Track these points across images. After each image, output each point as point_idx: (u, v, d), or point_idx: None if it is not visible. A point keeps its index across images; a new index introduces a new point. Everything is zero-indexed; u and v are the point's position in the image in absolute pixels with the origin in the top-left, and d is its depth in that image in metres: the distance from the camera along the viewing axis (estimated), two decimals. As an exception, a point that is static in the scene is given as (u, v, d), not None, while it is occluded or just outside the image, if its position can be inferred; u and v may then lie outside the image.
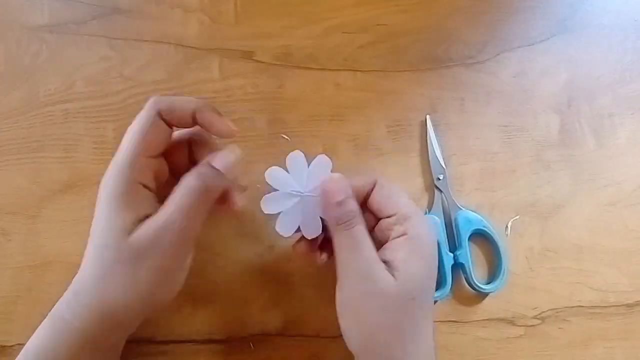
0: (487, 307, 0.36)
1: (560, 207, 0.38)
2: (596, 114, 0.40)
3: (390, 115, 0.39)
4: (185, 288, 0.35)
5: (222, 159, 0.29)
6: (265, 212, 0.31)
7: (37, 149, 0.37)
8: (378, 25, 0.40)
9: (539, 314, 0.36)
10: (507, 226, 0.38)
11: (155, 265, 0.27)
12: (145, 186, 0.28)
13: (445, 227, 0.37)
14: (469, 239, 0.36)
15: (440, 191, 0.37)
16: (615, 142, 0.40)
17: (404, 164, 0.38)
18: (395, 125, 0.39)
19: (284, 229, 0.31)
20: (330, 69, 0.39)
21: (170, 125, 0.30)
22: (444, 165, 0.37)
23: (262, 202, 0.31)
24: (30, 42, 0.39)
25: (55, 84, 0.38)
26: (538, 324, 0.36)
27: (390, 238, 0.29)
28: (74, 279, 0.28)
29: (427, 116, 0.38)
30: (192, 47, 0.39)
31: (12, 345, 0.34)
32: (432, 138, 0.38)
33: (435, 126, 0.39)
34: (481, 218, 0.36)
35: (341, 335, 0.35)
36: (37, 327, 0.28)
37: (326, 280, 0.36)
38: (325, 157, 0.31)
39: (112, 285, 0.27)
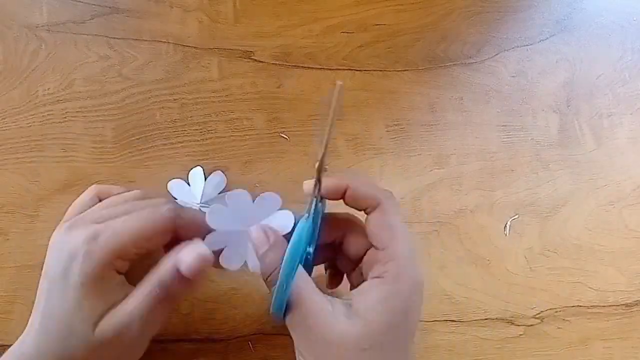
0: (486, 306, 0.36)
1: (560, 206, 0.38)
2: (595, 113, 0.40)
3: (389, 114, 0.39)
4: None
5: (191, 264, 0.26)
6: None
7: (36, 148, 0.37)
8: (377, 24, 0.40)
9: (538, 313, 0.36)
10: (506, 226, 0.38)
11: (117, 354, 0.26)
12: (118, 271, 0.26)
13: None
14: None
15: None
16: (614, 141, 0.40)
17: (403, 162, 0.38)
18: (394, 125, 0.39)
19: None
20: (329, 69, 0.40)
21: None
22: None
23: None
24: (29, 41, 0.39)
25: (54, 83, 0.38)
26: (537, 324, 0.36)
27: (368, 277, 0.26)
28: (20, 350, 0.26)
29: None
30: (191, 46, 0.39)
31: (10, 345, 0.34)
32: None
33: (434, 125, 0.39)
34: None
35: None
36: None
37: (324, 278, 0.36)
38: (221, 175, 0.35)
39: None
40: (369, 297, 0.25)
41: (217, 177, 0.36)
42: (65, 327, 0.25)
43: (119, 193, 0.29)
